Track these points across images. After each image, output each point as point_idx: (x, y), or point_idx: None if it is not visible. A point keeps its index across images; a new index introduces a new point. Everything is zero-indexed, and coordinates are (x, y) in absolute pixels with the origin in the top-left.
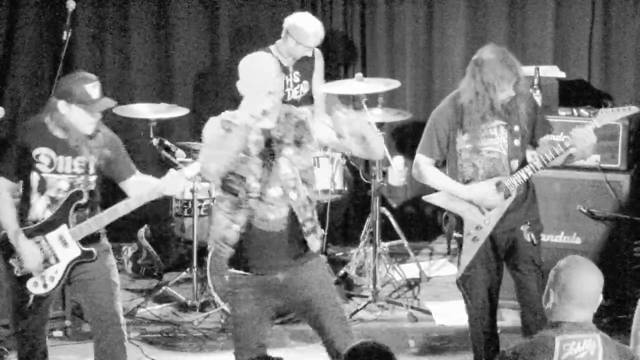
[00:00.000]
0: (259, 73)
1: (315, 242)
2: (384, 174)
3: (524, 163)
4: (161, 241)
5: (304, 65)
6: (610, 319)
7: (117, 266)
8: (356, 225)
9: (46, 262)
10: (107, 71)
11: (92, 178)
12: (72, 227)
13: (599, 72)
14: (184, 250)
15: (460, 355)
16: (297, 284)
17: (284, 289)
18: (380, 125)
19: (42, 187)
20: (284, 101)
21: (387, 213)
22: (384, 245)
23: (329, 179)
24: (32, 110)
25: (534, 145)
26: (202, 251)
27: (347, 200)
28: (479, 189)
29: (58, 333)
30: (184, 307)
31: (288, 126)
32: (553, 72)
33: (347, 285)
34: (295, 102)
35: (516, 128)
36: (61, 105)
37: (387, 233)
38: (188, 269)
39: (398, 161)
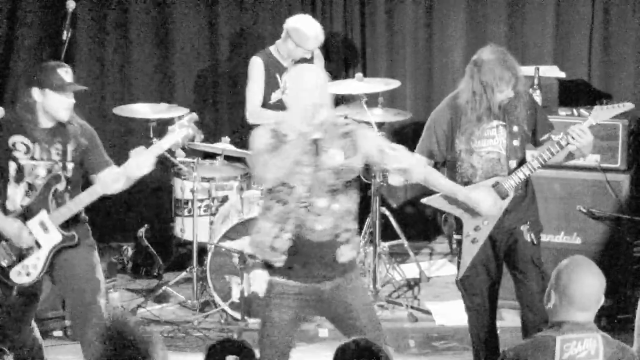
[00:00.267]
0: (309, 85)
1: (345, 253)
2: (384, 174)
3: (522, 163)
4: (161, 241)
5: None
6: (610, 319)
7: (117, 266)
8: None
9: (28, 250)
10: (107, 71)
11: (70, 165)
12: (52, 212)
13: (599, 72)
14: (184, 250)
15: (460, 355)
16: (338, 296)
17: (325, 299)
18: (380, 125)
19: (20, 175)
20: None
21: (387, 213)
22: (384, 245)
23: None
24: None
25: (536, 144)
26: (202, 251)
27: None
28: (477, 196)
29: (58, 333)
30: (184, 307)
31: (335, 136)
32: (553, 72)
33: None
34: None
35: (515, 128)
36: (35, 92)
37: (387, 233)
38: (188, 269)
39: None
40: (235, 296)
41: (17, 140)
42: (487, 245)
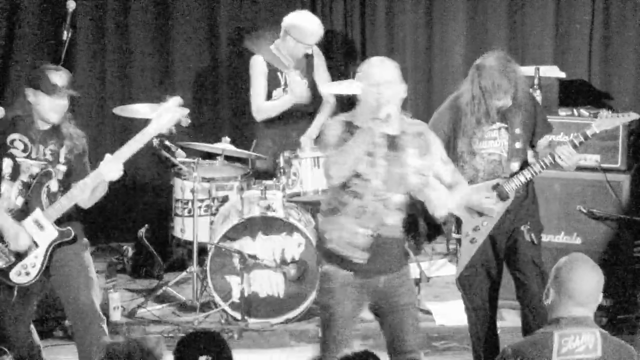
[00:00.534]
0: (375, 79)
1: (411, 251)
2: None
3: (524, 164)
4: (161, 241)
5: (302, 64)
6: (611, 319)
7: (117, 266)
8: None
9: (26, 250)
10: (107, 71)
11: (62, 168)
12: (46, 209)
13: (599, 72)
14: (184, 250)
15: (460, 355)
16: (391, 290)
17: (381, 292)
18: None
19: (15, 173)
20: None
21: None
22: None
23: None
24: None
25: (532, 146)
26: (203, 251)
27: None
28: (477, 195)
29: (58, 333)
30: (184, 307)
31: (411, 135)
32: (553, 72)
33: None
34: None
35: (517, 130)
36: (29, 93)
37: None
38: (188, 269)
39: None
40: (236, 296)
41: (16, 138)
42: (488, 246)
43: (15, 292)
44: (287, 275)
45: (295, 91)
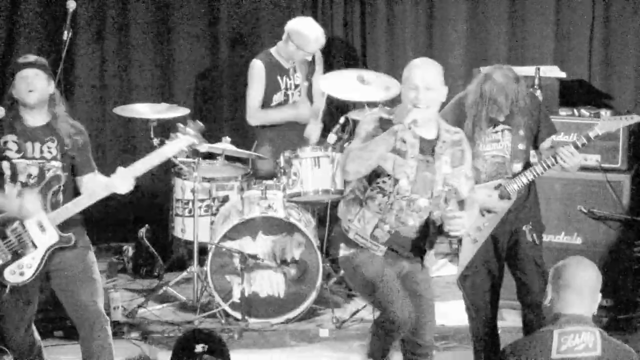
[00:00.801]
0: (413, 83)
1: (431, 259)
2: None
3: (527, 165)
4: (162, 241)
5: (304, 67)
6: (611, 319)
7: (117, 266)
8: None
9: (24, 249)
10: (107, 71)
11: (62, 164)
12: (50, 212)
13: (599, 72)
14: (184, 250)
15: (460, 355)
16: (413, 277)
17: (405, 277)
18: None
19: (14, 175)
20: (286, 103)
21: None
22: None
23: (330, 179)
24: None
25: (535, 147)
26: (203, 251)
27: None
28: (479, 194)
29: (58, 333)
30: (184, 307)
31: (448, 143)
32: (553, 72)
33: (347, 285)
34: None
35: (521, 132)
36: (12, 88)
37: None
38: (188, 269)
39: None
40: (236, 296)
41: (9, 139)
42: (489, 245)
43: (7, 291)
44: (288, 275)
45: (301, 115)
